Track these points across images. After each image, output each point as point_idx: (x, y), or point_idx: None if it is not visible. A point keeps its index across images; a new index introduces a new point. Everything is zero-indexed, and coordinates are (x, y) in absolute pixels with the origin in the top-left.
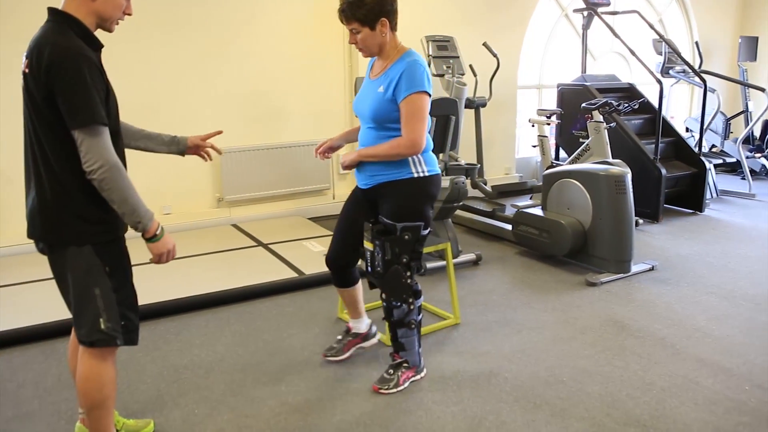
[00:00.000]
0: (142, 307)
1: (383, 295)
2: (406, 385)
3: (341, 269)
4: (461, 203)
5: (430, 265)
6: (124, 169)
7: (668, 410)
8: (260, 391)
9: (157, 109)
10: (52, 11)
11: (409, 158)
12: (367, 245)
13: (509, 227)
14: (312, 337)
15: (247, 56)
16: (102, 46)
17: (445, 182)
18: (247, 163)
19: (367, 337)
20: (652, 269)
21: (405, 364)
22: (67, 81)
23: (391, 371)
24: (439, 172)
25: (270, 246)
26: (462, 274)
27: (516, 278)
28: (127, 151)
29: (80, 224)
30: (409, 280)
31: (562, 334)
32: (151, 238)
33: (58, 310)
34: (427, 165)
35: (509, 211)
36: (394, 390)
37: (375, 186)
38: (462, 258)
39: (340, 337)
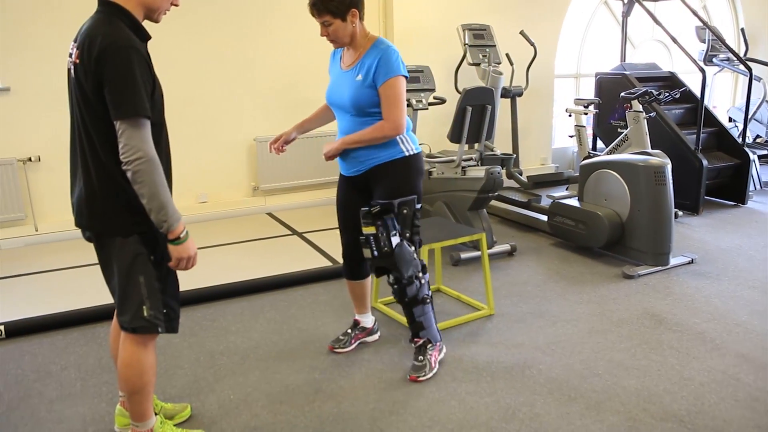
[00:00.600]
0: (180, 294)
1: (393, 277)
2: (437, 366)
3: (356, 263)
4: (496, 193)
5: (464, 255)
6: (160, 165)
7: (707, 406)
8: (294, 378)
9: (194, 100)
10: (102, 1)
11: (398, 139)
12: (368, 230)
13: (545, 218)
14: (345, 325)
15: (283, 46)
16: (150, 37)
17: (481, 172)
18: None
19: (371, 332)
20: (691, 262)
21: (429, 345)
22: (115, 72)
23: (421, 357)
24: (421, 150)
25: (304, 235)
26: (496, 264)
27: (551, 270)
28: None
29: (127, 215)
30: (416, 254)
31: (597, 326)
32: (174, 240)
33: (98, 296)
34: (413, 143)
35: (545, 202)
36: (431, 374)
37: (366, 171)
38: (497, 249)
39: (349, 330)
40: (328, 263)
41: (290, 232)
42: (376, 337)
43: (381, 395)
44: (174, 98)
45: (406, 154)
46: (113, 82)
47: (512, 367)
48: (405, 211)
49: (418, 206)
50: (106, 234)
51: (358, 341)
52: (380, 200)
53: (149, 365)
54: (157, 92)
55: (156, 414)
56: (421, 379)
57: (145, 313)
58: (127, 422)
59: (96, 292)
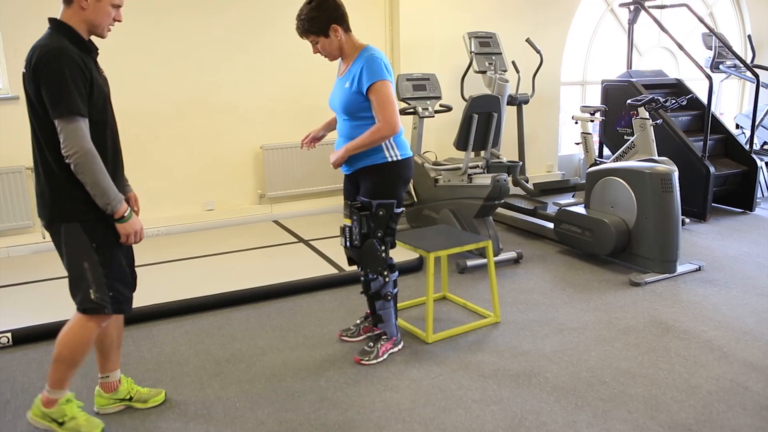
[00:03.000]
0: (186, 302)
1: (361, 270)
2: (385, 357)
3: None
4: (502, 201)
5: (470, 263)
6: (97, 156)
7: (715, 415)
8: (300, 386)
9: (202, 108)
10: (51, 20)
11: (383, 145)
12: (346, 221)
13: (551, 225)
14: None
15: (289, 54)
16: (96, 49)
17: (487, 180)
18: (288, 160)
19: None
20: (698, 270)
21: (384, 336)
22: (49, 76)
23: (372, 344)
24: (411, 155)
25: (310, 242)
26: (503, 272)
27: (557, 277)
28: (173, 151)
29: (69, 204)
30: (383, 254)
31: (604, 334)
32: (119, 219)
33: None
34: (399, 149)
35: (551, 209)
36: (375, 361)
37: (355, 171)
38: (503, 256)
39: (358, 321)
40: (334, 271)
41: (296, 240)
42: None
43: (387, 403)
44: (181, 106)
45: (389, 159)
46: (48, 86)
47: (518, 375)
48: (381, 212)
49: (399, 210)
50: (54, 221)
51: (367, 334)
52: (363, 198)
53: (85, 344)
54: (96, 95)
55: (131, 397)
56: (364, 362)
57: (92, 296)
58: (105, 403)
59: None
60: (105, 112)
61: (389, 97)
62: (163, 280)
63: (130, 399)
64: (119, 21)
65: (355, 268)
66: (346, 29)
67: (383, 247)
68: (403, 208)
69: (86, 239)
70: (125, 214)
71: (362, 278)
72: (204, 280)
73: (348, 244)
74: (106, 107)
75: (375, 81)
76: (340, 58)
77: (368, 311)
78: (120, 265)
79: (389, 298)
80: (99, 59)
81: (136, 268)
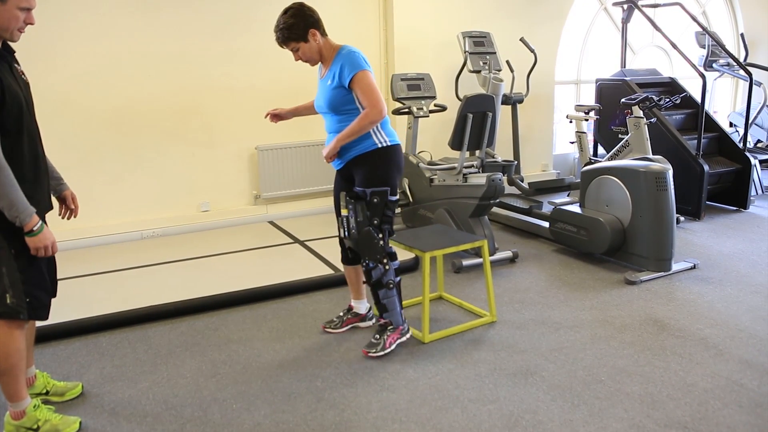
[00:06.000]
0: (182, 303)
1: (361, 260)
2: (393, 347)
3: (349, 248)
4: (498, 200)
5: (466, 262)
6: (7, 169)
7: (711, 412)
8: (297, 387)
9: (197, 107)
10: None
11: (372, 132)
12: (343, 212)
13: (546, 224)
14: (348, 333)
15: (284, 54)
16: (11, 53)
17: (482, 179)
18: (283, 160)
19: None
20: (693, 268)
21: (390, 327)
22: None
23: (378, 335)
24: (399, 143)
25: (306, 243)
26: (498, 271)
27: (553, 276)
28: (169, 152)
29: None
30: (381, 242)
31: (600, 333)
32: (28, 233)
33: (99, 305)
34: (388, 135)
35: (546, 209)
36: (382, 353)
37: (347, 163)
38: (498, 255)
39: (341, 313)
40: (330, 271)
41: (292, 241)
42: (369, 323)
43: (383, 403)
44: (176, 107)
45: (379, 145)
46: None
47: (515, 374)
48: (375, 200)
49: (394, 198)
50: None
51: (350, 325)
52: (358, 187)
53: (14, 349)
54: (9, 102)
55: (47, 391)
56: (372, 354)
57: (8, 301)
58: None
59: (97, 301)
60: (20, 119)
61: (371, 84)
62: (158, 282)
63: (47, 393)
64: (31, 24)
65: (346, 266)
66: (323, 33)
67: (380, 235)
68: (398, 197)
69: (6, 245)
70: (34, 228)
71: (363, 269)
72: (200, 282)
73: (346, 233)
74: (21, 114)
75: (356, 72)
76: (320, 63)
77: (351, 304)
78: (40, 271)
79: (392, 286)
80: (97, 59)
81: (57, 272)
